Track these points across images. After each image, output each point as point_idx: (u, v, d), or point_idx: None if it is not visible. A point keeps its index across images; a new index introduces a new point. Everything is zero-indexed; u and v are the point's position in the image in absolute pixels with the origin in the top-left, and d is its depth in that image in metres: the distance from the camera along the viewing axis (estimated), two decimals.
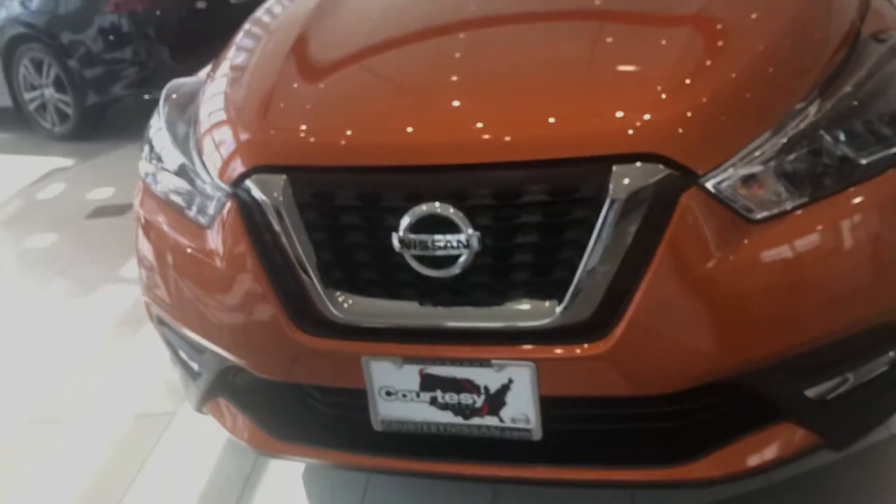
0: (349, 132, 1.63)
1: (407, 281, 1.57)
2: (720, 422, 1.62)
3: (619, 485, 1.72)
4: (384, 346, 1.60)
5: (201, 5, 5.61)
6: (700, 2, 1.80)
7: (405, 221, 1.51)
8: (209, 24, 5.67)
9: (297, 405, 1.84)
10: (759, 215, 1.49)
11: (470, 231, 1.48)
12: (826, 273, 1.51)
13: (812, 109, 1.55)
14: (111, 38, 5.44)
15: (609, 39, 1.77)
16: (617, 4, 1.95)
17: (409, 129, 1.58)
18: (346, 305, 1.61)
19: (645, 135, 1.46)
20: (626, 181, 1.43)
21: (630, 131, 1.46)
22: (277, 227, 1.61)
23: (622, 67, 1.64)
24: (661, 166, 1.44)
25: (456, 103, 1.63)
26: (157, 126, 2.06)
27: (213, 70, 2.13)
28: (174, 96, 2.15)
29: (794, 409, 1.59)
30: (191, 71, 6.10)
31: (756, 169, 1.49)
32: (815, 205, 1.51)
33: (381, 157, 1.57)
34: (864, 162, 1.56)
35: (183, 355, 2.01)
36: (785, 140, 1.51)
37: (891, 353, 1.64)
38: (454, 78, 1.73)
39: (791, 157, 1.51)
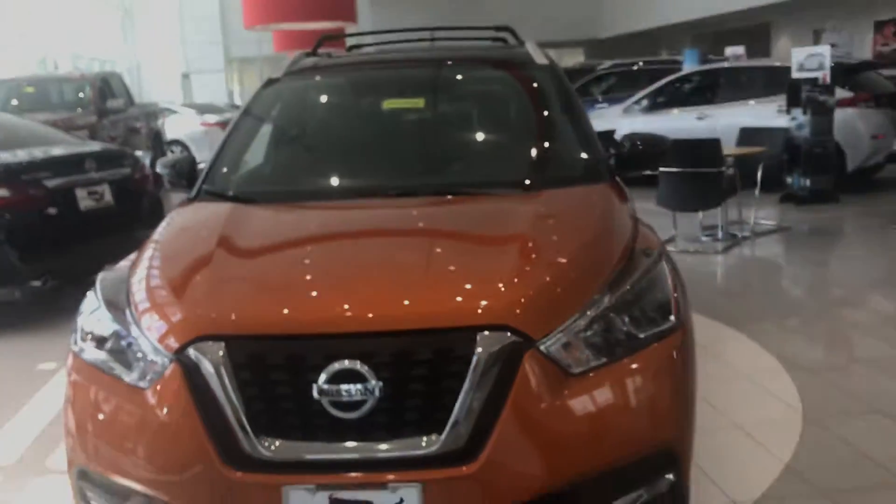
0: (278, 309, 2.16)
1: (321, 424, 2.06)
2: None
3: None
4: (301, 476, 2.04)
5: (52, 211, 5.93)
6: (526, 225, 2.55)
7: (324, 375, 2.02)
8: (59, 228, 5.98)
9: None
10: (576, 370, 2.13)
11: (374, 381, 2.02)
12: (620, 411, 2.16)
13: (605, 299, 2.26)
14: None
15: (470, 251, 2.50)
16: (470, 228, 2.68)
17: (328, 307, 2.14)
18: (269, 446, 2.05)
19: (498, 312, 2.10)
20: (486, 345, 2.04)
21: (489, 310, 2.10)
22: (215, 385, 2.06)
23: (481, 268, 2.33)
24: (510, 334, 2.07)
25: (366, 288, 2.22)
26: (92, 307, 2.47)
27: (137, 263, 2.59)
28: (105, 283, 2.56)
29: None
30: (38, 271, 6.25)
31: (571, 338, 2.15)
32: (611, 365, 2.19)
33: (305, 327, 2.11)
34: (641, 336, 2.27)
35: None
36: (588, 320, 2.20)
37: (669, 476, 2.28)
38: (360, 269, 2.34)
39: (593, 331, 2.19)
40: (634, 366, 2.22)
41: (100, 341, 2.36)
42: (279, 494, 2.03)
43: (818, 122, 9.21)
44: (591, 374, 2.15)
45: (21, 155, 6.08)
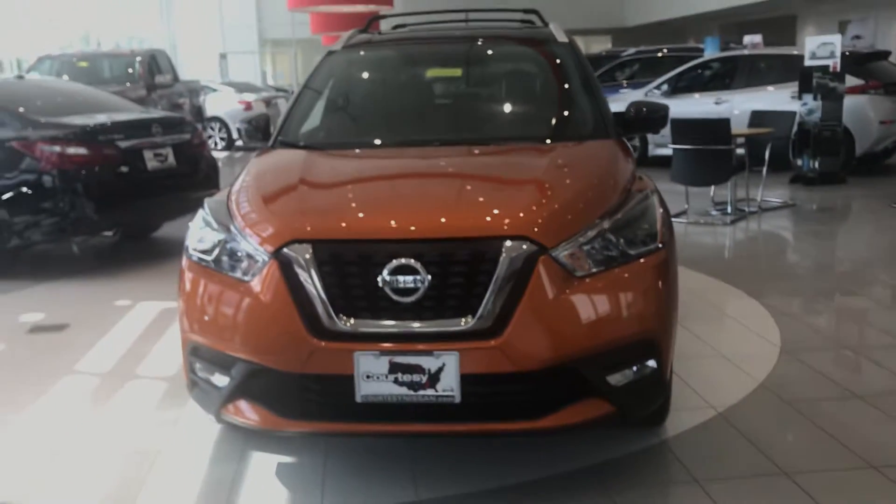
0: (353, 219, 2.85)
1: (384, 306, 2.72)
2: (559, 395, 2.80)
3: (504, 433, 2.84)
4: (368, 345, 2.71)
5: (123, 169, 6.64)
6: (542, 167, 3.22)
7: (387, 269, 2.69)
8: (128, 185, 6.69)
9: (298, 395, 2.86)
10: (579, 273, 2.78)
11: (424, 274, 2.67)
12: (612, 305, 2.80)
13: (604, 223, 2.90)
14: (40, 189, 6.32)
15: (498, 184, 3.19)
16: (498, 168, 3.38)
17: (391, 218, 2.82)
18: (345, 322, 2.72)
19: (520, 226, 2.75)
20: (511, 250, 2.69)
21: (513, 224, 2.76)
22: (304, 277, 2.73)
23: (507, 196, 3.02)
24: (529, 243, 2.72)
25: (420, 205, 2.91)
26: (201, 223, 3.15)
27: (235, 191, 3.26)
28: (211, 204, 3.24)
29: (601, 388, 2.81)
30: (110, 223, 7.02)
31: (575, 249, 2.80)
32: (607, 272, 2.83)
33: (374, 233, 2.78)
34: (632, 252, 2.91)
35: (208, 376, 2.99)
36: (590, 236, 2.84)
37: (650, 362, 2.92)
38: (415, 194, 3.04)
39: (593, 245, 2.83)
40: (625, 274, 2.86)
41: (209, 248, 3.04)
42: (351, 358, 2.70)
43: (828, 108, 9.75)
44: (590, 278, 2.79)
45: (97, 118, 6.79)
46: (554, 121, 4.09)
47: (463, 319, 2.69)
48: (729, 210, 8.25)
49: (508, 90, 4.40)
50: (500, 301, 2.68)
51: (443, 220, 2.82)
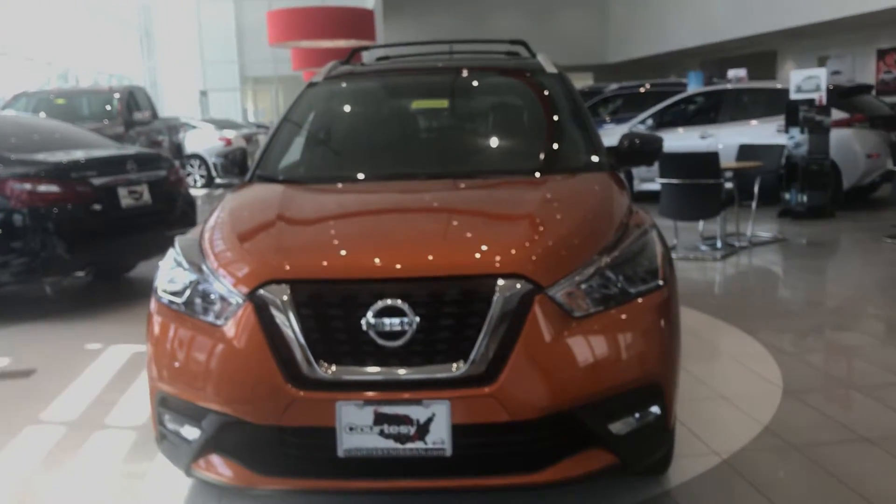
0: (335, 258, 2.64)
1: (369, 351, 2.51)
2: (558, 445, 2.59)
3: (501, 488, 2.61)
4: (351, 394, 2.49)
5: (97, 207, 6.41)
6: (535, 201, 3.04)
7: (372, 311, 2.48)
8: (102, 223, 6.46)
9: (276, 449, 2.63)
10: (577, 314, 2.58)
11: (412, 316, 2.47)
12: (613, 348, 2.61)
13: (602, 259, 2.71)
14: (10, 227, 6.07)
15: (490, 219, 3.00)
16: (489, 202, 3.20)
17: (376, 257, 2.61)
18: (325, 369, 2.50)
19: (515, 264, 2.56)
20: (505, 289, 2.49)
21: (507, 261, 2.56)
22: (281, 320, 2.52)
23: (500, 231, 2.84)
24: (524, 281, 2.52)
25: (407, 242, 2.72)
26: (172, 263, 2.94)
27: (209, 229, 3.05)
28: (182, 243, 3.03)
29: (602, 438, 2.61)
30: (83, 263, 6.77)
31: (573, 288, 2.61)
32: (607, 312, 2.64)
33: (357, 272, 2.57)
34: (632, 291, 2.72)
35: (178, 428, 2.76)
36: (588, 274, 2.65)
37: (654, 408, 2.72)
38: (401, 230, 2.84)
39: (592, 284, 2.64)
40: (626, 314, 2.67)
41: (180, 290, 2.82)
42: (333, 409, 2.48)
43: (815, 141, 9.69)
44: (589, 318, 2.59)
45: (70, 155, 6.58)
46: (544, 153, 3.92)
47: (454, 365, 2.49)
48: (719, 245, 8.11)
49: (496, 122, 4.23)
50: (494, 344, 2.48)
51: (431, 257, 2.63)
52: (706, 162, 7.80)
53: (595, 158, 3.65)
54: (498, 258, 2.59)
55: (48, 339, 5.76)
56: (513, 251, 2.62)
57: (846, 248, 8.80)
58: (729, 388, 4.20)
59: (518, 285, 2.52)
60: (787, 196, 9.96)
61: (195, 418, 2.70)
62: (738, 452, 3.45)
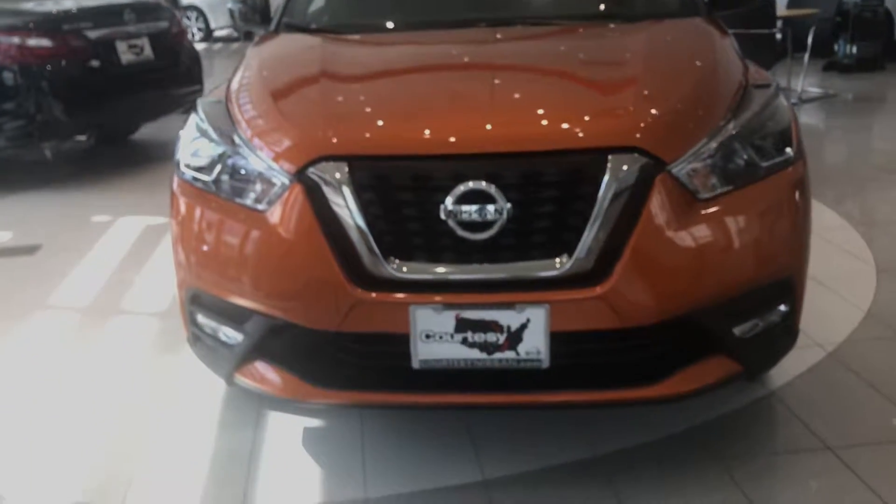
0: (403, 128, 2.10)
1: (449, 244, 2.03)
2: (675, 354, 2.16)
3: (607, 404, 2.21)
4: (427, 296, 2.03)
5: (94, 63, 5.80)
6: (641, 52, 2.47)
7: (452, 196, 1.98)
8: (101, 81, 5.86)
9: (336, 358, 2.21)
10: (703, 196, 2.09)
11: (503, 203, 1.98)
12: (744, 237, 2.13)
13: (729, 126, 2.19)
14: (0, 88, 5.49)
15: (591, 75, 2.40)
16: (584, 53, 2.61)
17: (455, 127, 2.08)
18: (396, 265, 2.03)
19: (630, 134, 2.04)
20: (618, 167, 1.99)
21: (620, 131, 2.04)
22: (340, 206, 2.03)
23: (607, 91, 2.27)
24: (642, 156, 2.01)
25: (494, 108, 2.17)
26: (195, 133, 2.41)
27: (236, 89, 2.51)
28: (207, 108, 2.49)
29: (725, 343, 2.17)
30: (83, 126, 6.23)
31: (699, 164, 2.10)
32: (736, 192, 2.14)
33: (433, 147, 2.05)
34: (764, 165, 2.21)
35: (216, 331, 2.33)
36: (715, 146, 2.13)
37: (782, 307, 2.28)
38: (484, 91, 2.27)
39: (718, 157, 2.13)
40: (758, 194, 2.17)
41: (208, 165, 2.31)
42: (406, 314, 2.03)
43: None
44: (717, 200, 2.10)
45: (61, 4, 5.89)
46: None
47: (557, 260, 2.01)
48: None
49: None
50: (605, 235, 1.99)
51: (526, 127, 2.10)
52: (760, 10, 7.07)
53: (689, 1, 3.05)
54: (609, 127, 2.07)
55: (52, 212, 5.29)
56: (626, 119, 2.09)
57: None
58: (819, 270, 3.72)
59: (635, 161, 2.01)
60: (836, 47, 9.22)
61: (237, 321, 2.26)
62: (844, 344, 3.04)
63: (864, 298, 3.41)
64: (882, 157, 6.27)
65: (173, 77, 6.51)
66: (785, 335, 2.33)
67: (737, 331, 2.18)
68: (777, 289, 2.24)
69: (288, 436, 2.62)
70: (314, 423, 2.69)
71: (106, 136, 6.98)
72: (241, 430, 2.66)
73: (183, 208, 2.35)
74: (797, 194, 2.27)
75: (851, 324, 3.19)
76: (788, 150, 2.29)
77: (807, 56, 7.68)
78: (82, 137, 6.53)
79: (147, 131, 7.23)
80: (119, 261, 4.30)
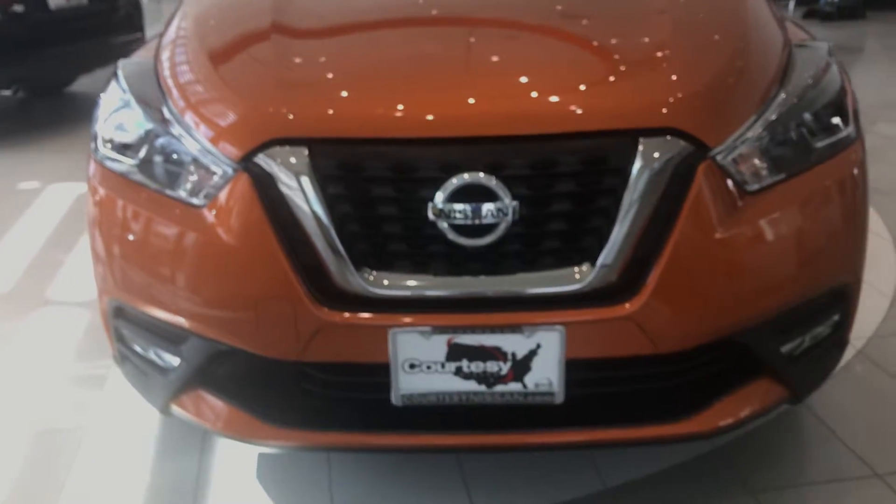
0: (378, 104, 1.64)
1: (438, 252, 1.60)
2: (714, 381, 1.77)
3: (634, 443, 1.82)
4: (413, 317, 1.61)
5: (18, 8, 5.20)
6: (670, 8, 2.00)
7: (442, 192, 1.55)
8: (27, 29, 5.27)
9: (293, 389, 1.78)
10: (752, 187, 1.68)
11: (507, 199, 1.55)
12: (801, 237, 1.73)
13: (779, 99, 1.77)
14: None
15: (615, 41, 1.91)
16: (602, 13, 2.10)
17: (445, 102, 1.63)
18: (372, 278, 1.60)
19: (666, 112, 1.61)
20: (651, 153, 1.56)
21: (654, 109, 1.61)
22: (299, 202, 1.58)
23: (636, 60, 1.81)
24: (681, 140, 1.59)
25: (495, 79, 1.71)
26: (116, 104, 1.93)
27: (167, 49, 2.02)
28: (130, 72, 2.00)
29: (772, 364, 1.78)
30: (8, 78, 5.65)
31: (747, 148, 1.68)
32: (790, 181, 1.73)
33: (417, 128, 1.60)
34: (818, 146, 1.80)
35: (147, 351, 1.88)
36: (764, 124, 1.72)
37: (835, 317, 1.89)
38: (481, 58, 1.81)
39: (769, 139, 1.72)
40: (815, 182, 1.77)
41: (131, 146, 1.84)
42: (383, 338, 1.60)
43: None
44: (770, 193, 1.70)
45: None
46: None
47: (576, 271, 1.59)
48: None
49: None
50: (636, 238, 1.58)
51: (537, 103, 1.64)
52: None
53: None
54: (641, 103, 1.63)
55: None
56: (660, 93, 1.65)
57: (880, 53, 7.83)
58: None
59: (672, 146, 1.58)
60: None
61: (171, 341, 1.81)
62: (873, 339, 2.70)
63: (887, 282, 3.06)
64: (865, 109, 5.94)
65: (110, 24, 5.95)
66: (835, 348, 1.95)
67: (785, 349, 1.80)
68: (833, 297, 1.85)
69: (241, 463, 2.20)
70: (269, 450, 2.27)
71: (36, 90, 6.36)
72: (185, 456, 2.24)
73: (100, 199, 1.88)
74: (858, 181, 1.87)
75: (878, 314, 2.85)
76: (847, 126, 1.88)
77: (791, 4, 7.27)
78: (7, 92, 5.93)
79: (84, 83, 6.62)
80: (47, 237, 3.79)
